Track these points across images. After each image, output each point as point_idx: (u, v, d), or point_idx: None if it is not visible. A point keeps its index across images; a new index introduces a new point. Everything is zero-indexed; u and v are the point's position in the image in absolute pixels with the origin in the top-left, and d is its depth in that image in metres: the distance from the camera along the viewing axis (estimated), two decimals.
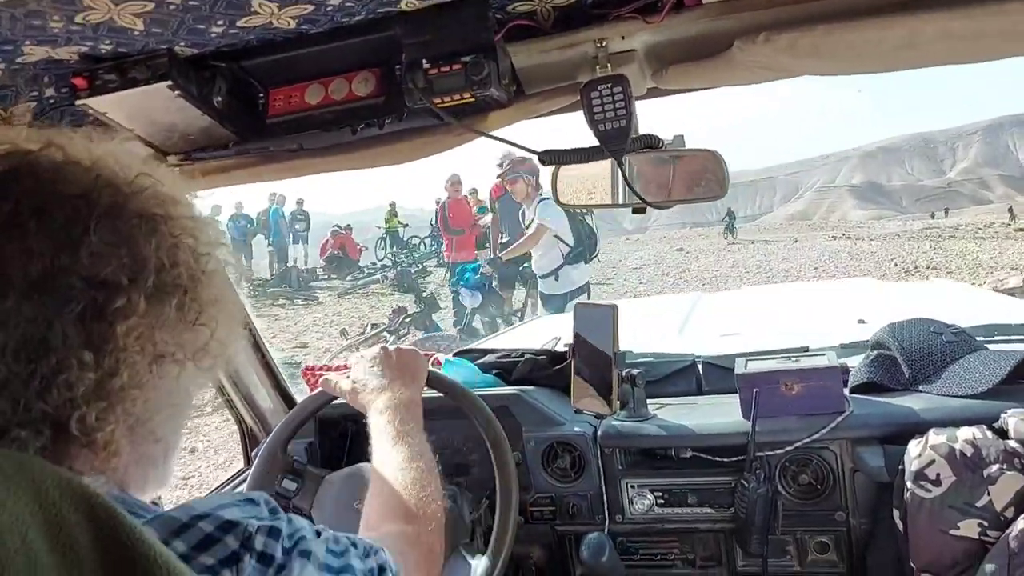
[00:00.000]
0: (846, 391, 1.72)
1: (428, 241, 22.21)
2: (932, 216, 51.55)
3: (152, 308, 0.71)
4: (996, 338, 1.93)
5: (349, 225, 23.24)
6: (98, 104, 1.32)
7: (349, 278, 19.63)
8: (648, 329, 3.09)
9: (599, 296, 14.07)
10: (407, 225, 24.12)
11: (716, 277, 17.90)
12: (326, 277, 20.43)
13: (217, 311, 0.78)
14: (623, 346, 1.78)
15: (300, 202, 22.69)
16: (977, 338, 1.78)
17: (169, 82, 1.27)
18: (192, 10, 1.13)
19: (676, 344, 2.86)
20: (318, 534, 0.78)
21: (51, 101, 1.38)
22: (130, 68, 1.27)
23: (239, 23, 1.20)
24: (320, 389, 1.60)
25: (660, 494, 1.78)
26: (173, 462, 0.80)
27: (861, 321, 2.77)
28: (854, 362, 1.85)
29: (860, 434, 1.62)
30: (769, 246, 26.72)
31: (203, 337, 0.77)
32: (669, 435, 1.75)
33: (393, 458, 1.21)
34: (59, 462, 0.66)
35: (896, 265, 17.32)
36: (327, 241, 21.31)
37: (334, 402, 1.75)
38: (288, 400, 2.24)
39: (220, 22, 1.19)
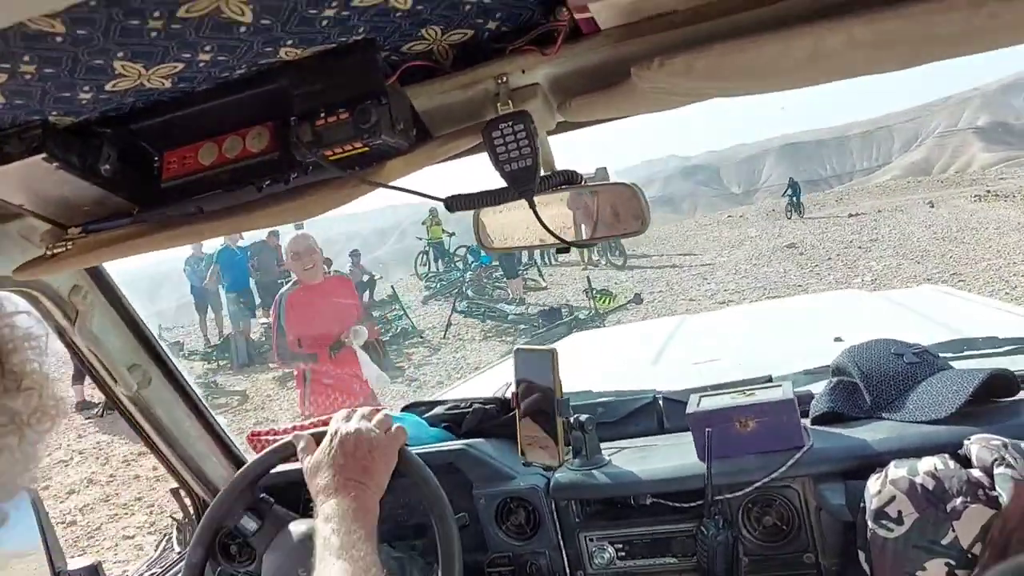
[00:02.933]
0: (806, 422, 1.63)
1: (469, 257, 18.59)
2: None
3: None
4: (964, 353, 1.84)
5: (329, 259, 16.12)
6: None
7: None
8: (620, 361, 3.01)
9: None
10: (453, 234, 20.48)
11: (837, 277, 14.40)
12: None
13: (38, 372, 0.76)
14: (585, 384, 1.71)
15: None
16: (942, 355, 1.69)
17: (44, 154, 1.20)
18: (50, 78, 1.06)
19: (649, 375, 2.78)
20: None
21: None
22: (3, 142, 1.20)
23: (107, 87, 1.13)
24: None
25: (620, 546, 1.68)
26: None
27: (838, 339, 2.69)
28: (819, 388, 1.76)
29: (820, 470, 1.53)
30: (897, 215, 22.16)
31: (34, 400, 0.74)
32: (623, 483, 1.66)
33: None
34: None
35: None
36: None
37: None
38: (239, 465, 2.15)
39: (87, 88, 1.12)
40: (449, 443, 1.85)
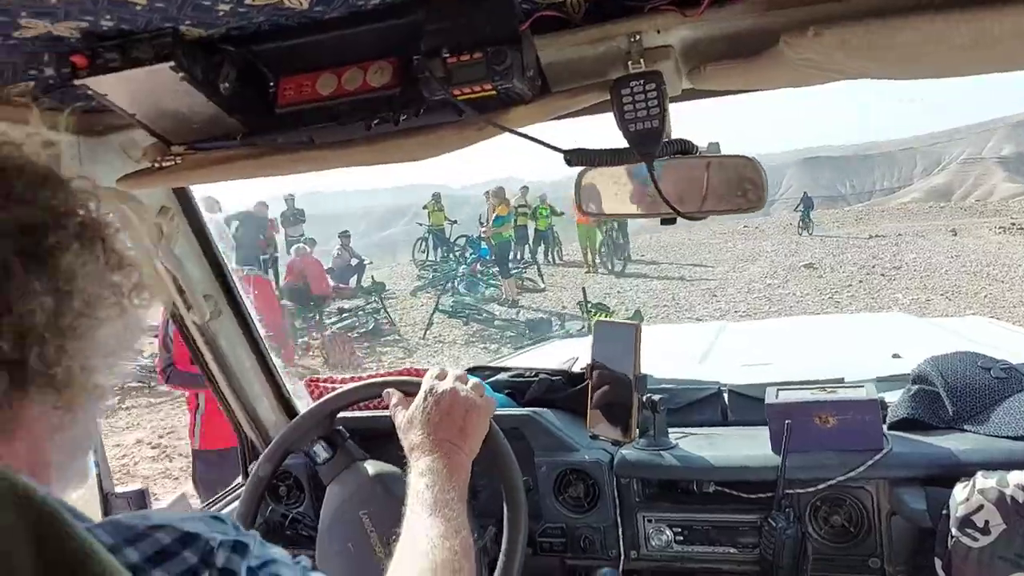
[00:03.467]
0: (884, 427, 1.60)
1: (469, 249, 17.74)
2: None
3: (83, 248, 0.71)
4: None
5: (312, 239, 16.20)
6: (99, 85, 1.24)
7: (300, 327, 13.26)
8: (667, 358, 2.97)
9: None
10: (456, 221, 19.72)
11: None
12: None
13: (137, 253, 0.79)
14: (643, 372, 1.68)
15: (290, 199, 17.28)
16: None
17: (172, 63, 1.19)
18: None
19: (697, 373, 2.75)
20: (297, 565, 0.72)
21: (51, 81, 1.31)
22: (132, 47, 1.19)
23: (247, 2, 1.12)
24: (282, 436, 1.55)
25: (680, 530, 1.66)
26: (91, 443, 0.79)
27: (896, 356, 2.65)
28: (892, 397, 1.73)
29: (900, 474, 1.50)
30: (919, 241, 21.28)
31: (134, 277, 0.77)
32: (691, 467, 1.63)
33: (426, 531, 1.09)
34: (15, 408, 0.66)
35: None
36: (292, 263, 14.27)
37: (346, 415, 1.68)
38: (291, 413, 2.14)
39: (226, 1, 1.11)
40: (515, 409, 1.84)
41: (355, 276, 16.42)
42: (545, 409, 1.82)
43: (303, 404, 2.08)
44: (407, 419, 1.31)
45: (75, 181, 0.75)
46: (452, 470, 1.21)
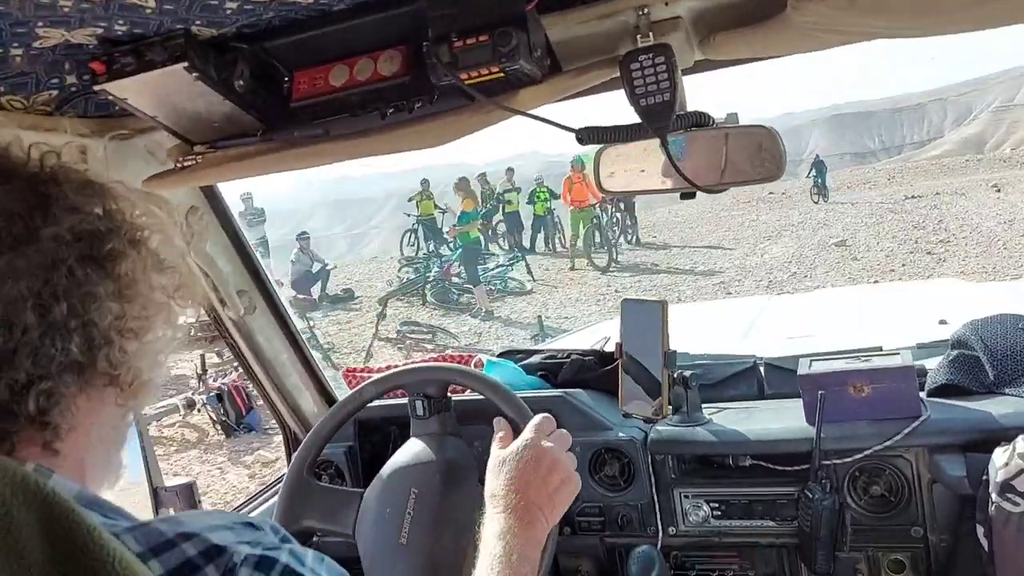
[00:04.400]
0: (922, 394, 1.57)
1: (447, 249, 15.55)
2: None
3: (136, 252, 0.75)
4: None
5: (266, 240, 14.80)
6: (118, 90, 1.27)
7: None
8: (708, 335, 2.95)
9: None
10: (447, 211, 17.21)
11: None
12: None
13: (177, 255, 0.83)
14: (679, 349, 1.67)
15: (248, 198, 15.32)
16: None
17: (186, 64, 1.21)
18: None
19: (741, 347, 2.72)
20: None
21: (72, 89, 1.34)
22: (146, 50, 1.22)
23: None
24: (344, 400, 1.54)
25: (717, 504, 1.65)
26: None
27: (943, 322, 2.59)
28: (932, 364, 1.70)
29: (938, 441, 1.47)
30: (960, 201, 18.90)
31: (176, 278, 0.80)
32: (726, 441, 1.62)
33: None
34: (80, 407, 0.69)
35: None
36: None
37: (373, 403, 1.69)
38: (331, 403, 2.18)
39: None
40: (547, 390, 1.84)
41: (318, 284, 14.38)
42: (578, 389, 1.82)
43: (341, 394, 2.11)
44: (500, 460, 1.21)
45: (115, 187, 0.79)
46: (532, 541, 1.11)
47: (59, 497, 0.57)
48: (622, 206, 17.04)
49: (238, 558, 0.64)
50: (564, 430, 1.26)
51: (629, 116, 1.26)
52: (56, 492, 0.57)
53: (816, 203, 22.58)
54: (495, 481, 1.19)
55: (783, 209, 21.80)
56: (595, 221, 16.08)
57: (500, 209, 18.14)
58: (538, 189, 17.56)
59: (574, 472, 1.23)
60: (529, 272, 14.71)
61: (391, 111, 1.35)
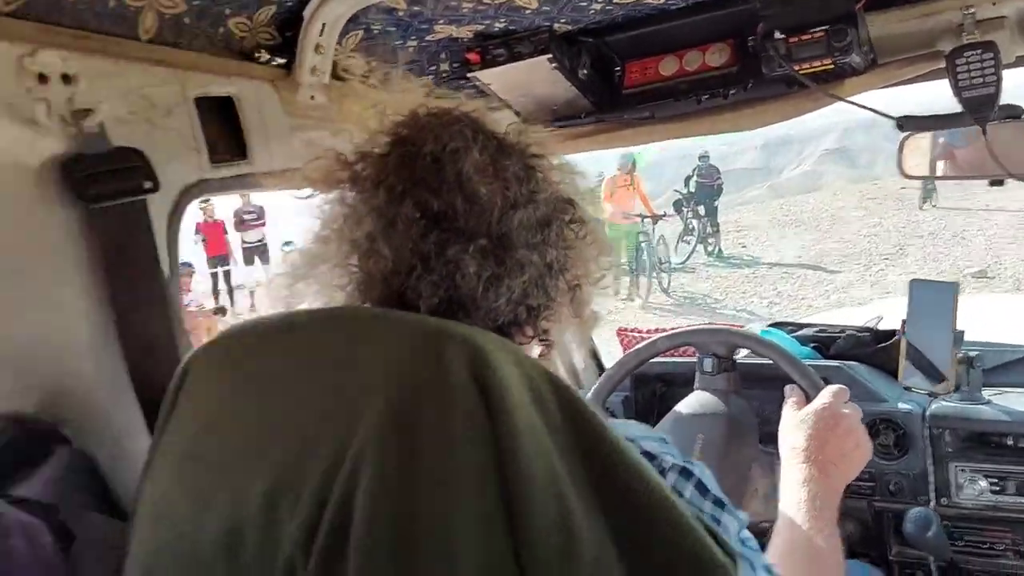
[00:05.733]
0: None
1: None
2: None
3: (585, 220, 0.83)
4: None
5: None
6: (485, 77, 1.52)
7: None
8: (991, 325, 2.87)
9: None
10: None
11: None
12: None
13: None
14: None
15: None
16: None
17: (549, 55, 1.43)
18: None
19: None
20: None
21: (444, 75, 1.60)
22: (516, 43, 1.45)
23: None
24: (638, 348, 1.71)
25: (995, 480, 1.69)
26: None
27: None
28: None
29: None
30: None
31: (599, 241, 0.87)
32: (1012, 420, 1.66)
33: (810, 540, 1.06)
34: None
35: None
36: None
37: (651, 361, 1.86)
38: (597, 360, 2.37)
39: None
40: (822, 360, 1.94)
41: None
42: (852, 362, 1.90)
43: (609, 359, 2.29)
44: (797, 420, 1.26)
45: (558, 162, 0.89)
46: (830, 491, 1.14)
47: (562, 381, 0.68)
48: (701, 210, 13.89)
49: (666, 464, 0.73)
50: (854, 403, 1.31)
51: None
52: (562, 380, 0.68)
53: (922, 209, 15.23)
54: (795, 435, 1.24)
55: (908, 212, 15.16)
56: (640, 238, 11.49)
57: None
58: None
59: (867, 440, 1.26)
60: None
61: (705, 97, 1.52)
